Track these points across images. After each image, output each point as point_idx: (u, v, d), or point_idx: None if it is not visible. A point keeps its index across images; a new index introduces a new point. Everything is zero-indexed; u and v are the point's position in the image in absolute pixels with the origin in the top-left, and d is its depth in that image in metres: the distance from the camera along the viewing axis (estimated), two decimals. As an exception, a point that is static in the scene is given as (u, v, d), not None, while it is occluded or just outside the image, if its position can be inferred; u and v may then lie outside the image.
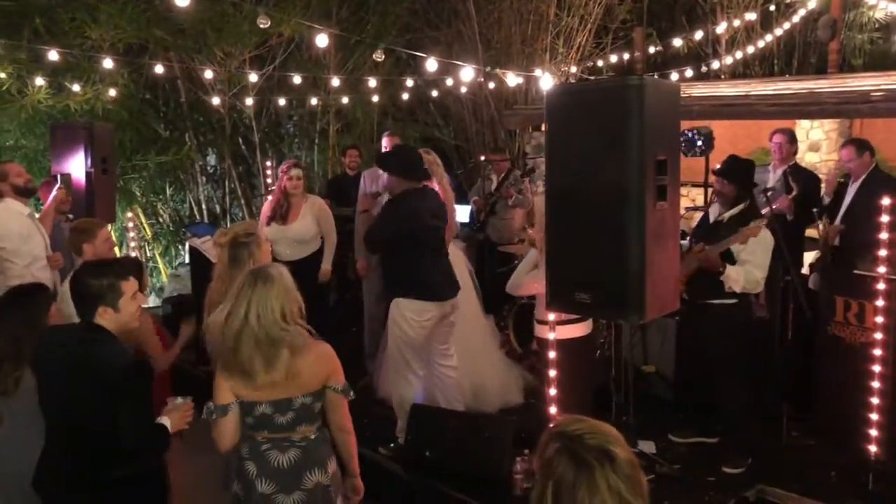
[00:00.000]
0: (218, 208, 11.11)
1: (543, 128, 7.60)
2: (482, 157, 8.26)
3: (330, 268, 6.21)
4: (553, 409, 4.03)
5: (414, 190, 4.71)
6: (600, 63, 11.58)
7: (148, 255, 10.54)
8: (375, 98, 10.51)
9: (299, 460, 3.07)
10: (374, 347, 6.04)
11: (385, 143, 6.57)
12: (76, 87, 8.37)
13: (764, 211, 4.99)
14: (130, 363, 2.95)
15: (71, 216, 6.24)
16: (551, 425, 1.76)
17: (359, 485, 3.27)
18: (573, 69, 11.40)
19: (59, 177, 6.52)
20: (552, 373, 4.09)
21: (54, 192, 6.06)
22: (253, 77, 9.41)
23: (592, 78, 10.77)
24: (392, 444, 4.96)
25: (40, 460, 3.13)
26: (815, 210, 5.74)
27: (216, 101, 9.65)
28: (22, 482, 3.16)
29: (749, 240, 4.38)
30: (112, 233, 9.05)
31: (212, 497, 3.86)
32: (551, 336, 4.07)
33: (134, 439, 2.88)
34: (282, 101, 10.25)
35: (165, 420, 3.00)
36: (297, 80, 9.47)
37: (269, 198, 6.37)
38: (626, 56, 11.66)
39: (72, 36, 8.43)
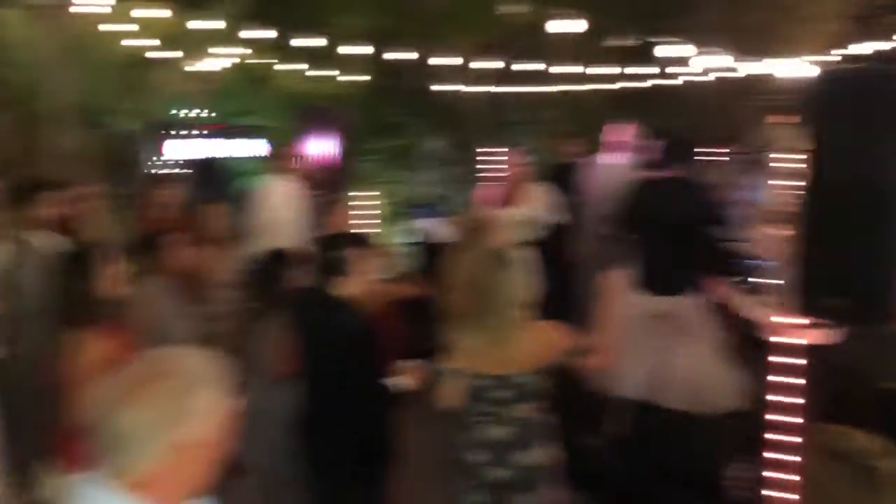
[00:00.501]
0: (445, 191, 11.50)
1: (785, 119, 7.13)
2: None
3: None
4: (788, 419, 3.78)
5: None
6: (854, 51, 10.58)
7: (380, 233, 11.12)
8: (609, 86, 10.32)
9: (515, 437, 3.12)
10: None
11: (618, 134, 6.46)
12: (324, 73, 8.99)
13: None
14: (361, 330, 3.15)
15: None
16: (823, 435, 1.65)
17: None
18: (824, 58, 10.51)
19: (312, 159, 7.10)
20: (787, 379, 3.83)
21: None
22: (486, 64, 9.57)
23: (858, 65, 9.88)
24: (605, 435, 4.89)
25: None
26: None
27: (449, 87, 9.96)
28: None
29: None
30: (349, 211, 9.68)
31: (434, 462, 4.04)
32: (791, 340, 3.81)
33: (363, 399, 3.07)
34: (512, 88, 10.36)
35: (397, 381, 3.17)
36: (530, 67, 9.52)
37: (494, 183, 6.52)
38: (883, 45, 10.56)
39: (322, 24, 9.06)
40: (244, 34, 7.86)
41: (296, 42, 8.36)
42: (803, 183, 3.05)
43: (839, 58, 10.30)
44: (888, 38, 10.27)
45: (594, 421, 4.97)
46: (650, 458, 4.44)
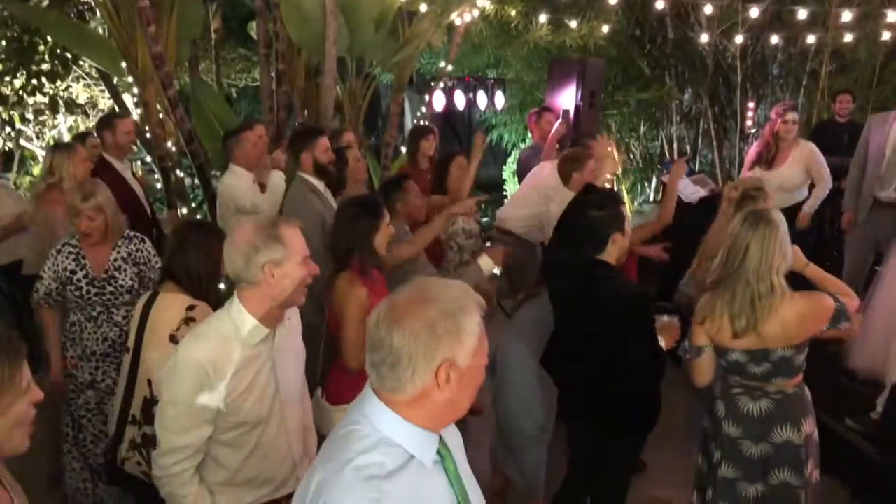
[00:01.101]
0: (688, 149, 10.99)
1: None
2: None
3: (811, 213, 5.82)
4: None
5: None
6: None
7: (616, 189, 10.92)
8: (886, 36, 9.21)
9: (771, 412, 2.99)
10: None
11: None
12: (573, 24, 8.86)
13: None
14: (635, 295, 3.10)
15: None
16: None
17: None
18: None
19: (561, 112, 7.06)
20: None
21: (556, 127, 6.58)
22: (751, 12, 8.90)
23: None
24: (863, 418, 4.51)
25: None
26: None
27: (704, 38, 9.43)
28: None
29: None
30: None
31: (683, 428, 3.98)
32: None
33: (639, 365, 3.05)
34: (774, 39, 9.58)
35: (661, 341, 3.12)
36: (797, 15, 8.73)
37: (755, 142, 6.14)
38: None
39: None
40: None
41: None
42: None
43: None
44: None
45: (856, 403, 4.60)
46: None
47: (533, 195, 5.43)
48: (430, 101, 8.52)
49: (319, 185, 4.46)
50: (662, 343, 3.13)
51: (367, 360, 1.58)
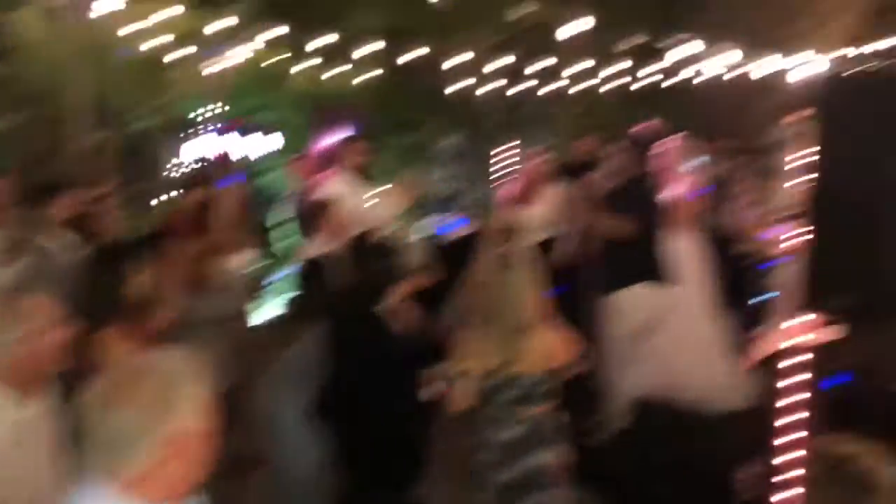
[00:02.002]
0: (457, 189, 11.52)
1: (798, 117, 7.09)
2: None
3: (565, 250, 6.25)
4: (791, 419, 3.78)
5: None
6: (870, 49, 10.50)
7: (394, 227, 11.16)
8: (621, 82, 10.31)
9: (526, 437, 3.16)
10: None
11: (643, 130, 6.49)
12: (337, 70, 9.03)
13: None
14: (409, 343, 3.18)
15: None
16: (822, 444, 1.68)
17: None
18: (838, 54, 10.44)
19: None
20: (793, 379, 3.82)
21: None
22: (499, 62, 9.59)
23: (869, 65, 9.82)
24: (605, 431, 4.91)
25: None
26: None
27: (462, 84, 9.98)
28: None
29: None
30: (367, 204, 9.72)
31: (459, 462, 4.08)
32: (793, 341, 3.81)
33: (408, 412, 3.10)
34: (526, 85, 10.36)
35: (426, 392, 3.20)
36: (542, 64, 9.52)
37: (511, 182, 6.54)
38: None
39: (336, 21, 9.10)
40: (259, 32, 7.91)
41: (311, 39, 8.40)
42: (813, 182, 3.07)
43: (854, 55, 10.22)
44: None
45: (602, 419, 5.00)
46: (655, 457, 4.45)
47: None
48: (195, 146, 8.25)
49: (64, 239, 4.15)
50: (433, 391, 3.23)
51: (86, 444, 1.51)
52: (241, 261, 4.72)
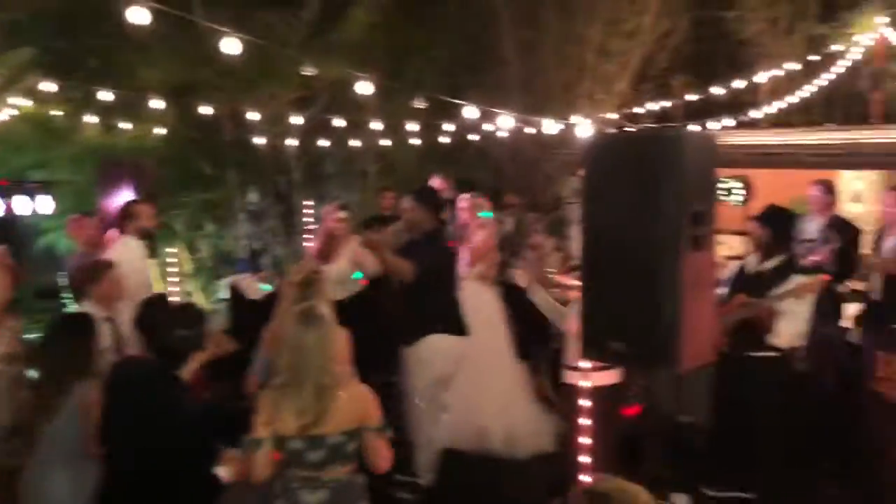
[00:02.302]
0: (257, 245, 11.28)
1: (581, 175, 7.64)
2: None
3: None
4: (583, 458, 3.99)
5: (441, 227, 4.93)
6: (640, 110, 11.61)
7: (188, 290, 10.69)
8: (416, 141, 10.64)
9: (328, 502, 3.08)
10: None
11: (436, 185, 6.67)
12: (126, 126, 8.62)
13: (804, 262, 4.94)
14: (202, 412, 3.00)
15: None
16: (584, 484, 1.77)
17: None
18: (613, 115, 11.44)
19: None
20: (582, 420, 4.04)
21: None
22: (296, 119, 9.60)
23: (631, 125, 10.81)
24: (411, 483, 4.92)
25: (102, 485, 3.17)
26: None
27: (259, 140, 9.87)
28: None
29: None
30: (155, 268, 9.24)
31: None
32: (583, 383, 4.04)
33: (193, 485, 2.91)
34: (324, 142, 10.43)
35: (223, 471, 3.03)
36: (339, 122, 9.64)
37: (313, 238, 6.49)
38: (666, 103, 11.68)
39: (124, 76, 8.72)
40: (34, 83, 7.41)
41: (96, 93, 7.98)
42: (582, 233, 3.29)
43: (621, 115, 11.25)
44: (675, 96, 11.39)
45: (410, 473, 5.02)
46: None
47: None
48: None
49: None
50: (224, 473, 3.07)
51: None
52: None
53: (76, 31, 8.65)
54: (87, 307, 4.24)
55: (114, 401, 3.14)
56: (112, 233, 6.08)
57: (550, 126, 6.37)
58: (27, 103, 7.40)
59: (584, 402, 4.01)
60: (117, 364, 3.53)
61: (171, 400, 2.95)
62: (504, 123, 6.75)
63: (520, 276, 4.85)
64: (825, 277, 4.44)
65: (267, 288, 6.99)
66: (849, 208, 9.12)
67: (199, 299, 10.71)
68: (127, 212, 5.73)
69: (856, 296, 5.94)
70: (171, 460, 2.84)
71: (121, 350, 4.29)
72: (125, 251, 5.40)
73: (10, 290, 4.16)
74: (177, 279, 6.29)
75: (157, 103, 8.31)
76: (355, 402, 3.08)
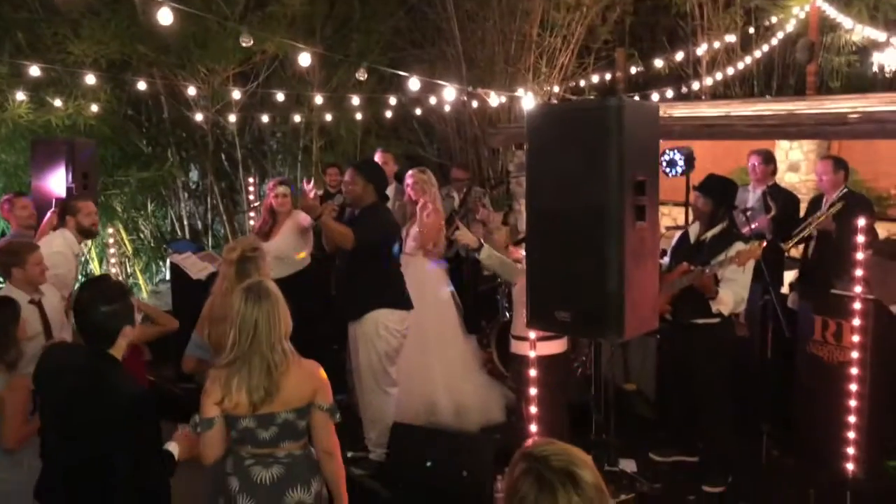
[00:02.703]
0: (200, 224, 11.08)
1: (525, 147, 7.67)
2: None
3: None
4: (532, 428, 4.03)
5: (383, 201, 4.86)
6: (583, 83, 11.69)
7: (128, 271, 10.47)
8: (359, 116, 10.54)
9: (282, 477, 3.06)
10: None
11: (378, 159, 6.58)
12: (58, 103, 8.33)
13: (744, 230, 5.04)
14: (142, 392, 2.91)
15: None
16: (522, 446, 1.77)
17: None
18: (556, 89, 11.50)
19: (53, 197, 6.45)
20: (530, 390, 4.08)
21: (48, 216, 5.99)
22: (236, 94, 9.41)
23: (574, 97, 10.88)
24: (362, 459, 4.92)
25: (40, 478, 3.07)
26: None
27: (199, 117, 9.64)
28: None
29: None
30: (92, 249, 9.00)
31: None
32: (530, 353, 4.07)
33: (142, 468, 2.82)
34: (265, 118, 10.25)
35: (174, 447, 2.95)
36: (280, 97, 9.48)
37: (256, 214, 6.39)
38: (608, 76, 11.79)
39: (54, 51, 8.41)
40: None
41: (33, 71, 7.69)
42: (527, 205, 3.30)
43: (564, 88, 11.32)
44: (610, 70, 11.51)
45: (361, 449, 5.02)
46: (416, 481, 4.53)
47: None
48: None
49: None
50: (174, 449, 3.00)
51: None
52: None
53: None
54: (11, 291, 4.11)
55: (45, 388, 3.05)
56: (51, 216, 5.91)
57: (494, 99, 6.35)
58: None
59: (532, 372, 4.05)
60: (46, 349, 3.41)
61: (104, 380, 2.85)
62: (448, 96, 6.72)
63: (463, 235, 4.79)
64: (764, 244, 4.53)
65: (211, 269, 6.87)
66: (787, 178, 9.38)
67: (141, 280, 10.51)
68: (67, 207, 5.58)
69: (793, 262, 6.11)
70: (113, 443, 2.77)
71: (49, 335, 4.18)
72: (62, 245, 5.29)
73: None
74: (116, 259, 6.15)
75: (90, 79, 8.07)
76: (306, 379, 3.05)
